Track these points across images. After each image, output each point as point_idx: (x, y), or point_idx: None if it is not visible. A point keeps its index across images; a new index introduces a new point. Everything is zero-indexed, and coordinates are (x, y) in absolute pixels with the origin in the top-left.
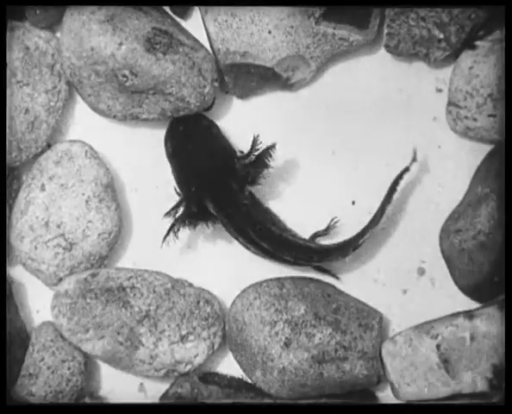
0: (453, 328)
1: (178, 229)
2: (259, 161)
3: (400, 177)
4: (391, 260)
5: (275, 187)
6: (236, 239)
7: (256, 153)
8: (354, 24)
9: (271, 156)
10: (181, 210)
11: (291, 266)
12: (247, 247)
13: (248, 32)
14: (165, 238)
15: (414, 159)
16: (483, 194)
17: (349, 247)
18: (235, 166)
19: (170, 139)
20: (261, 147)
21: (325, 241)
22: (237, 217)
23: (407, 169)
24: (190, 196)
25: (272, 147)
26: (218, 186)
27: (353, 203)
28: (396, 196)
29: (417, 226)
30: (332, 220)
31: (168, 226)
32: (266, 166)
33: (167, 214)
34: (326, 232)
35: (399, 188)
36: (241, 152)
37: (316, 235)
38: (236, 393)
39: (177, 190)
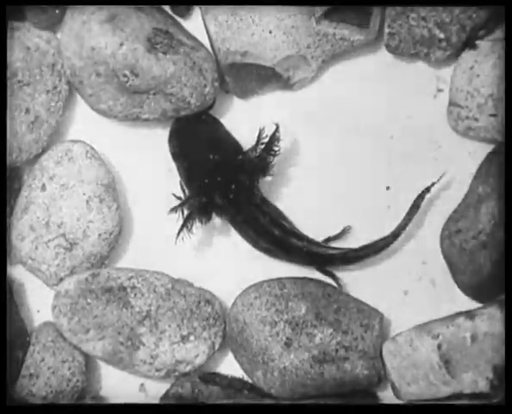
0: (454, 328)
1: (192, 225)
2: (267, 150)
3: (421, 197)
4: (392, 260)
5: (274, 185)
6: (244, 234)
7: (262, 144)
8: (355, 24)
9: (278, 141)
10: (188, 206)
11: (294, 263)
12: (256, 243)
13: (249, 32)
14: (178, 234)
15: (436, 181)
16: (483, 194)
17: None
18: (243, 160)
19: (175, 137)
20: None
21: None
22: (248, 211)
23: (428, 190)
24: (200, 192)
25: (277, 130)
26: (227, 181)
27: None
28: (396, 196)
29: (418, 226)
30: (345, 227)
31: (180, 223)
32: (275, 152)
33: (173, 210)
34: (338, 237)
35: (399, 188)
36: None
37: (329, 239)
38: (237, 393)
39: (184, 187)
